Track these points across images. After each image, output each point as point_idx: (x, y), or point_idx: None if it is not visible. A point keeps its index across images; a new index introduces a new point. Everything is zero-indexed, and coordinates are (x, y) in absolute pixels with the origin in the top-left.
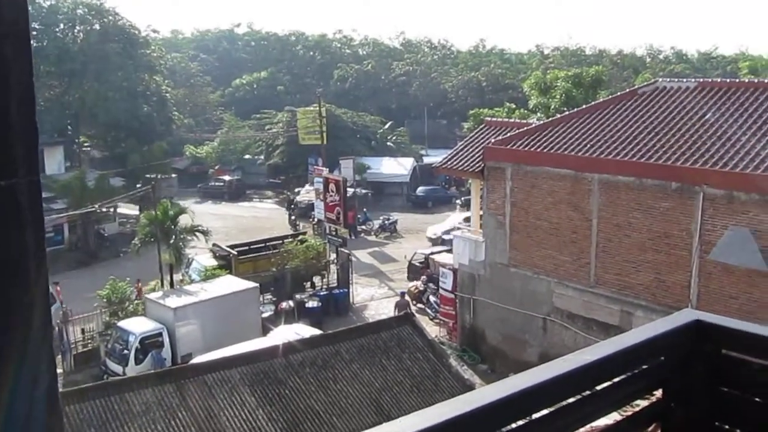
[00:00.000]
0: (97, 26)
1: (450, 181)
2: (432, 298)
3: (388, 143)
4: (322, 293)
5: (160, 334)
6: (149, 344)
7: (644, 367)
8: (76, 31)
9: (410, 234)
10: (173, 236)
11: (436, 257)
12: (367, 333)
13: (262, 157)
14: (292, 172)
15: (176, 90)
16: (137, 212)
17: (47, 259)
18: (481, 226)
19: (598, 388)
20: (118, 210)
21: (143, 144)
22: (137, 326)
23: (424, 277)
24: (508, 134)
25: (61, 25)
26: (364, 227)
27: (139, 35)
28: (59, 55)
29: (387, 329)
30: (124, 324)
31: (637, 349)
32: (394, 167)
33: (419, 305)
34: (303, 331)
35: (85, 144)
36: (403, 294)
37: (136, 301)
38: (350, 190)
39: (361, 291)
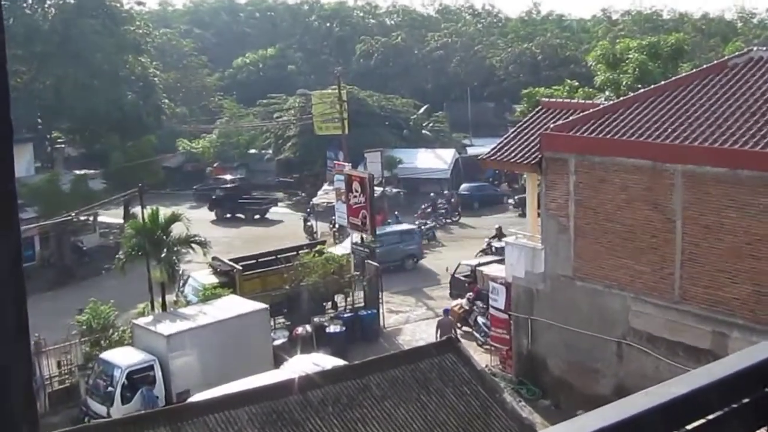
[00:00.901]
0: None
1: (500, 177)
2: (480, 320)
3: (424, 131)
4: (345, 315)
5: (151, 368)
6: (138, 379)
7: (745, 401)
8: (46, 6)
9: (453, 242)
10: (165, 249)
11: (485, 269)
12: (402, 363)
13: (270, 151)
14: (308, 168)
15: (166, 73)
16: (121, 221)
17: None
18: (540, 230)
19: (689, 427)
20: (99, 218)
21: (128, 139)
22: (123, 358)
23: (470, 294)
24: (571, 118)
25: (29, 0)
26: None
27: (122, 9)
28: (27, 35)
29: (426, 358)
30: (107, 355)
31: (735, 379)
32: (432, 160)
33: (465, 328)
34: (323, 361)
35: (59, 140)
36: (446, 312)
37: (122, 328)
38: (378, 189)
39: (394, 312)
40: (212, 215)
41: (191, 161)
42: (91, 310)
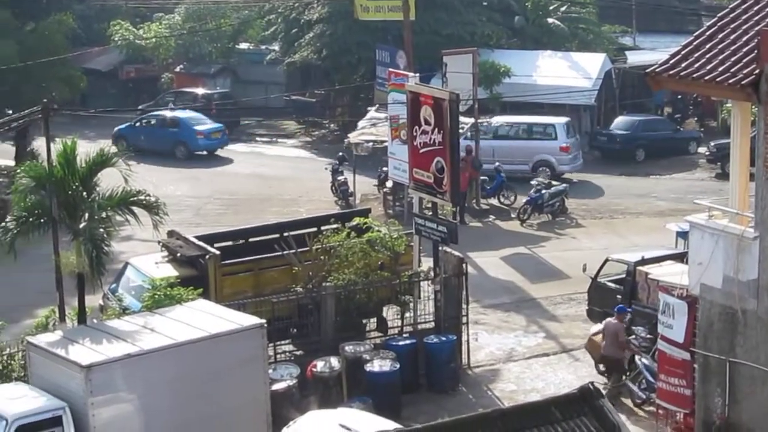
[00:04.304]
0: None
1: (682, 106)
2: (642, 361)
3: (551, 20)
4: (401, 343)
5: (59, 421)
6: None
7: None
8: None
9: (597, 219)
10: (87, 214)
11: (652, 272)
12: (499, 430)
13: (275, 48)
14: (341, 80)
15: None
16: (11, 163)
17: None
18: (754, 204)
19: None
20: None
21: (25, 19)
22: (11, 403)
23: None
24: None
25: None
26: (493, 201)
27: None
28: None
29: (541, 424)
30: None
31: None
32: (565, 72)
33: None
34: (358, 422)
35: None
36: (621, 311)
37: (8, 350)
38: (466, 122)
39: (487, 339)
40: (174, 159)
41: (135, 62)
42: None
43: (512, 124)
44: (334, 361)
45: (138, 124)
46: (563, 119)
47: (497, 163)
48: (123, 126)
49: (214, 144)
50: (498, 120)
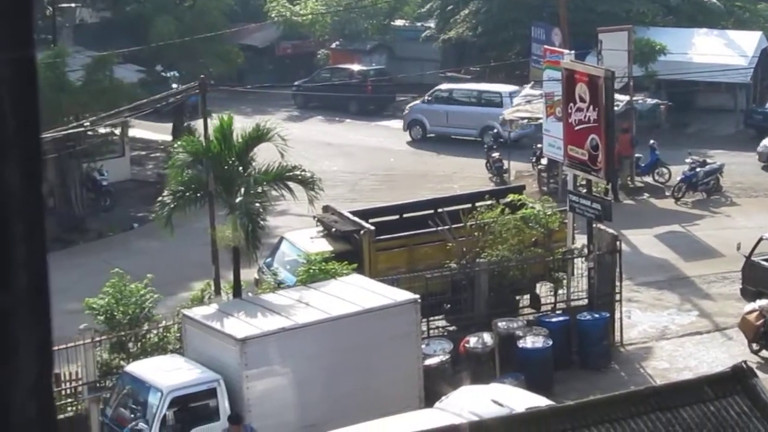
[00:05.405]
0: None
1: None
2: None
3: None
4: (554, 320)
5: (213, 393)
6: (189, 412)
7: None
8: None
9: (752, 197)
10: (243, 189)
11: None
12: (651, 409)
13: (431, 25)
14: (497, 56)
15: None
16: (168, 138)
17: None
18: None
19: None
20: (132, 133)
21: None
22: (166, 375)
23: None
24: None
25: None
26: (648, 179)
27: None
28: None
29: (694, 403)
30: (138, 369)
31: None
32: (719, 50)
33: (765, 352)
34: (510, 397)
35: None
36: None
37: (164, 323)
38: (621, 99)
39: (641, 317)
40: (329, 133)
41: (291, 38)
42: (114, 290)
43: (465, 91)
44: (487, 337)
45: None
46: (510, 88)
47: (652, 141)
48: None
49: None
50: (449, 86)
